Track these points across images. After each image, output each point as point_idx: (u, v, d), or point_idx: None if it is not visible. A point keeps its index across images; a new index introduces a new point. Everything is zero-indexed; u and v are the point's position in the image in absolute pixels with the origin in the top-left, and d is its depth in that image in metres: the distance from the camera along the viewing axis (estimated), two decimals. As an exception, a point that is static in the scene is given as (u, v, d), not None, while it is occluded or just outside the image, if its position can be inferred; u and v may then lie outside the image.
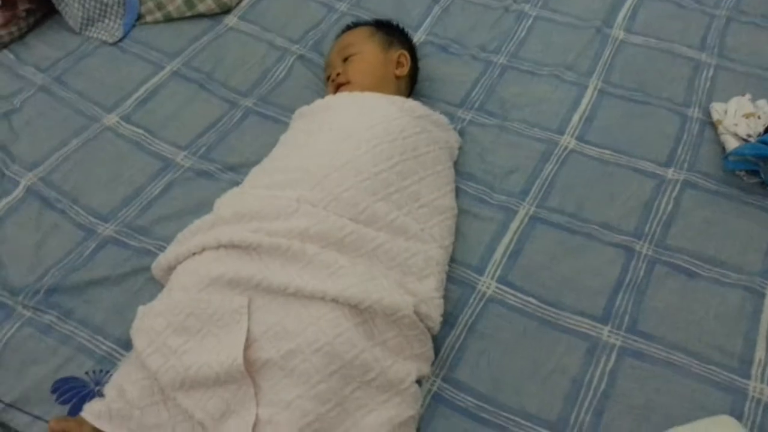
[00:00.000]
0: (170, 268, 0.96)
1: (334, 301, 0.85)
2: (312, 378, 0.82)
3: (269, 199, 0.96)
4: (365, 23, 1.29)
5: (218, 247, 0.91)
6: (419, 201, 1.00)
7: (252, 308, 0.86)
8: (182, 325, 0.85)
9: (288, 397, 0.82)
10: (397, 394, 0.86)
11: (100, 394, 0.91)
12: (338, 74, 1.19)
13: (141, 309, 0.92)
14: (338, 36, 1.29)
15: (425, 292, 0.94)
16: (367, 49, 1.21)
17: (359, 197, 0.95)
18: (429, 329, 0.94)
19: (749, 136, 1.20)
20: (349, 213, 0.93)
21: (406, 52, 1.24)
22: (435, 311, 0.94)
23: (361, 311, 0.86)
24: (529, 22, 1.45)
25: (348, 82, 1.17)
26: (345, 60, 1.20)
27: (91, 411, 0.85)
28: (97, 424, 0.84)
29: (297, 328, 0.84)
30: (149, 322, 0.88)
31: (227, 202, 1.01)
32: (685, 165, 1.19)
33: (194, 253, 0.93)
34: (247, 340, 0.84)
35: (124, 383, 0.86)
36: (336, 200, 0.94)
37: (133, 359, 0.88)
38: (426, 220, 1.00)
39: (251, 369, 0.84)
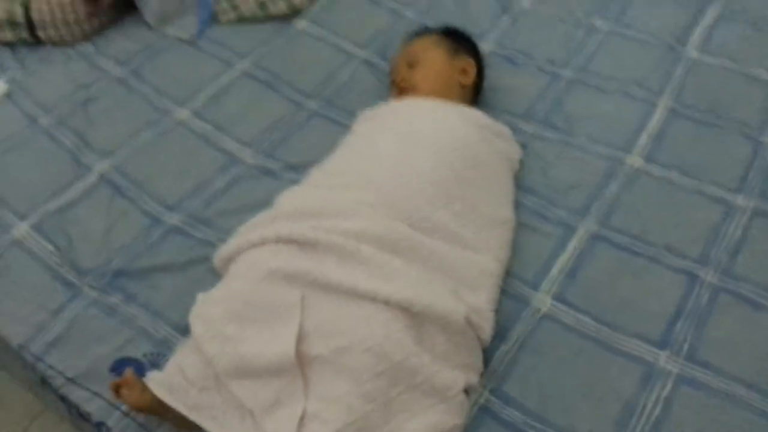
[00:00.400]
0: (230, 258, 0.98)
1: (386, 302, 0.86)
2: (361, 376, 0.83)
3: (330, 198, 0.97)
4: (434, 30, 1.30)
5: (277, 240, 0.93)
6: (477, 211, 1.00)
7: (306, 303, 0.88)
8: (238, 314, 0.88)
9: (336, 393, 0.83)
10: (443, 401, 0.86)
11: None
12: (402, 79, 1.20)
13: (200, 296, 0.95)
14: (406, 41, 1.31)
15: (478, 302, 0.93)
16: (433, 56, 1.21)
17: (418, 204, 0.95)
18: (480, 341, 0.93)
19: (828, 165, 1.15)
20: (406, 219, 0.94)
21: (472, 61, 1.24)
22: (486, 323, 0.93)
23: (412, 315, 0.87)
24: (600, 36, 1.43)
25: (412, 88, 1.18)
26: (411, 65, 1.21)
27: (154, 380, 0.89)
28: (158, 393, 0.87)
29: (348, 326, 0.85)
30: (207, 309, 0.91)
31: (288, 199, 1.03)
32: (756, 191, 1.15)
33: (254, 245, 0.95)
34: (299, 334, 0.85)
35: (183, 363, 0.89)
36: (395, 205, 0.95)
37: (191, 343, 0.91)
38: (483, 231, 0.99)
39: (302, 363, 0.85)
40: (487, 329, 0.93)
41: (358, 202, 0.96)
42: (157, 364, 0.96)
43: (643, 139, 1.23)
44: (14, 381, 1.26)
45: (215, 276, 1.04)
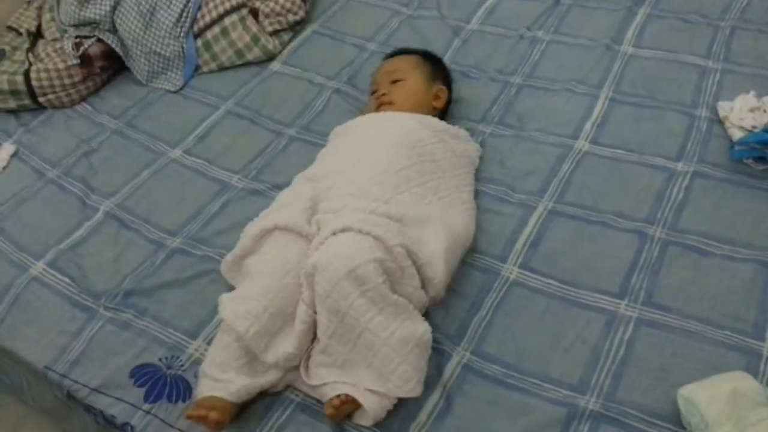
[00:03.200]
0: (235, 262, 1.11)
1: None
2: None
3: (316, 193, 1.12)
4: (415, 51, 1.44)
5: (275, 228, 1.06)
6: (439, 194, 1.13)
7: None
8: (279, 309, 0.99)
9: None
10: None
11: (172, 377, 1.04)
12: (383, 94, 1.33)
13: (225, 296, 1.05)
14: (389, 56, 1.44)
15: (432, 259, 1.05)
16: (413, 78, 1.35)
17: (385, 189, 1.09)
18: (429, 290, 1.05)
19: (754, 127, 1.28)
20: (375, 202, 1.07)
21: (445, 89, 1.38)
22: (437, 274, 1.04)
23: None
24: (543, 46, 1.59)
25: (391, 103, 1.31)
26: (392, 82, 1.34)
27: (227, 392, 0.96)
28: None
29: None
30: (243, 306, 1.00)
31: (280, 198, 1.19)
32: (695, 158, 1.28)
33: (257, 238, 1.07)
34: None
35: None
36: (366, 193, 1.08)
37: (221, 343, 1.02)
38: (447, 209, 1.12)
39: None
40: (437, 279, 1.03)
41: (342, 194, 1.10)
42: (171, 365, 1.07)
43: (588, 126, 1.37)
44: (42, 419, 1.35)
45: (217, 286, 1.16)
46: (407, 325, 0.95)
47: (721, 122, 1.34)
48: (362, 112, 1.40)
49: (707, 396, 0.89)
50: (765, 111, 1.31)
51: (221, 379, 0.97)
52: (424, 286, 1.03)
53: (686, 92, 1.42)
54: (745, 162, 1.25)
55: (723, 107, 1.35)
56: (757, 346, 0.99)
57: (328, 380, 0.96)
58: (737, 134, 1.29)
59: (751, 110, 1.31)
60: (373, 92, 1.37)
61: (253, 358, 0.99)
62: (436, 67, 1.41)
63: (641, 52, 1.54)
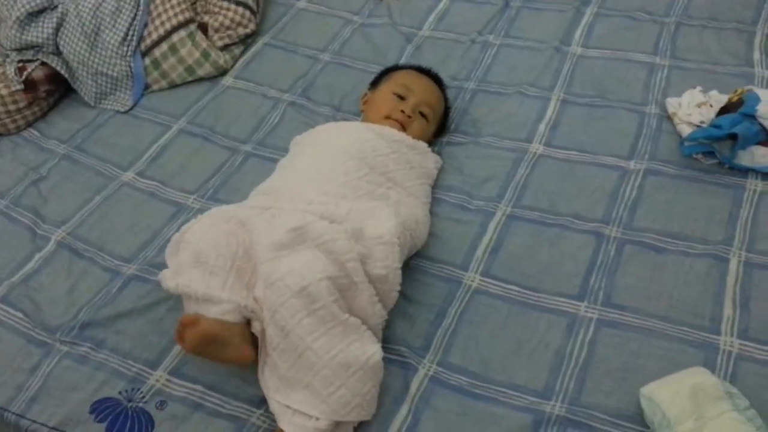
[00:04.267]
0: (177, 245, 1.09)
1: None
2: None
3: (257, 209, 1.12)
4: (445, 94, 1.40)
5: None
6: (389, 201, 1.13)
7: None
8: (214, 265, 1.00)
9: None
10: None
11: (133, 410, 1.02)
12: (408, 117, 1.29)
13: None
14: (434, 78, 1.39)
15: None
16: (433, 124, 1.34)
17: (329, 199, 1.09)
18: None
19: (702, 122, 1.31)
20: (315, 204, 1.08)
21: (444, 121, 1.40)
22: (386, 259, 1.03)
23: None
24: (494, 50, 1.60)
25: (405, 128, 1.29)
26: (421, 114, 1.31)
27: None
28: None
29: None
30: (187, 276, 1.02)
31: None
32: (646, 156, 1.30)
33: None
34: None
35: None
36: (309, 204, 1.08)
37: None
38: (397, 207, 1.12)
39: None
40: (389, 261, 1.03)
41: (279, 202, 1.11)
42: (132, 398, 1.04)
43: (542, 128, 1.38)
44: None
45: (176, 314, 1.13)
46: (355, 347, 0.94)
47: (670, 119, 1.37)
48: (364, 101, 1.39)
49: (669, 394, 0.91)
50: (711, 106, 1.34)
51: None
52: (379, 294, 1.02)
53: (635, 90, 1.45)
54: (695, 157, 1.28)
55: (671, 103, 1.38)
56: (713, 340, 1.01)
57: (269, 387, 0.97)
58: (686, 130, 1.31)
59: (698, 105, 1.34)
60: (401, 96, 1.32)
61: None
62: (446, 121, 1.40)
63: (590, 52, 1.56)
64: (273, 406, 0.97)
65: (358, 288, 0.98)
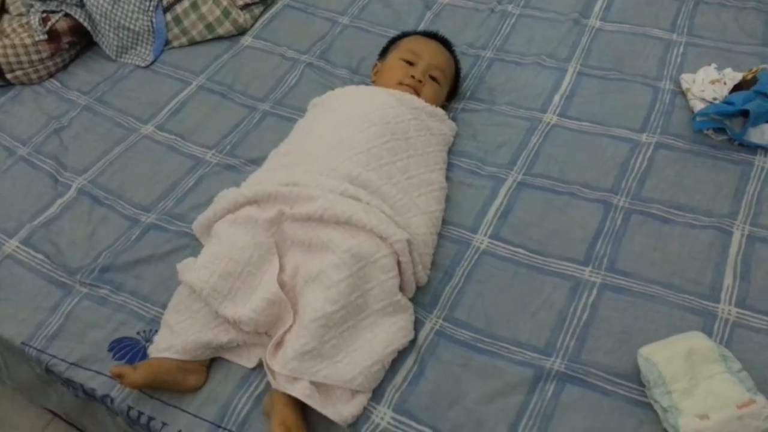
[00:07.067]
0: (208, 225, 1.13)
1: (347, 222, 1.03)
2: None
3: (285, 174, 1.13)
4: (456, 58, 1.40)
5: (248, 202, 1.10)
6: (407, 173, 1.16)
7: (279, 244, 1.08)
8: (225, 271, 1.02)
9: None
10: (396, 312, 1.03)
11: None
12: (419, 81, 1.30)
13: (185, 261, 1.10)
14: (441, 41, 1.40)
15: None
16: (444, 87, 1.35)
17: (352, 167, 1.11)
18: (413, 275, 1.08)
19: (715, 99, 1.32)
20: (345, 179, 1.10)
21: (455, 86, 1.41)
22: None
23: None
24: (513, 20, 1.61)
25: (417, 92, 1.30)
26: (432, 77, 1.32)
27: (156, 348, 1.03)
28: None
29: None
30: (195, 274, 1.04)
31: (252, 179, 1.20)
32: (658, 130, 1.32)
33: (228, 210, 1.11)
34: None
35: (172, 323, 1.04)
36: (334, 170, 1.11)
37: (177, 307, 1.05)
38: (412, 191, 1.14)
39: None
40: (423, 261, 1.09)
41: (313, 174, 1.11)
42: (150, 339, 1.08)
43: (557, 99, 1.40)
44: (18, 398, 1.35)
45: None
46: (398, 327, 1.01)
47: (683, 94, 1.38)
48: (374, 72, 1.40)
49: (666, 355, 0.94)
50: (725, 83, 1.35)
51: (176, 329, 1.02)
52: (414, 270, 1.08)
53: (651, 65, 1.46)
54: (705, 133, 1.29)
55: (686, 79, 1.39)
56: (712, 308, 1.04)
57: (293, 373, 0.95)
58: (699, 106, 1.33)
59: (712, 82, 1.35)
60: (410, 62, 1.33)
61: (210, 311, 1.02)
62: (457, 85, 1.41)
63: (608, 26, 1.57)
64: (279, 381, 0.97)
65: (404, 266, 1.05)
